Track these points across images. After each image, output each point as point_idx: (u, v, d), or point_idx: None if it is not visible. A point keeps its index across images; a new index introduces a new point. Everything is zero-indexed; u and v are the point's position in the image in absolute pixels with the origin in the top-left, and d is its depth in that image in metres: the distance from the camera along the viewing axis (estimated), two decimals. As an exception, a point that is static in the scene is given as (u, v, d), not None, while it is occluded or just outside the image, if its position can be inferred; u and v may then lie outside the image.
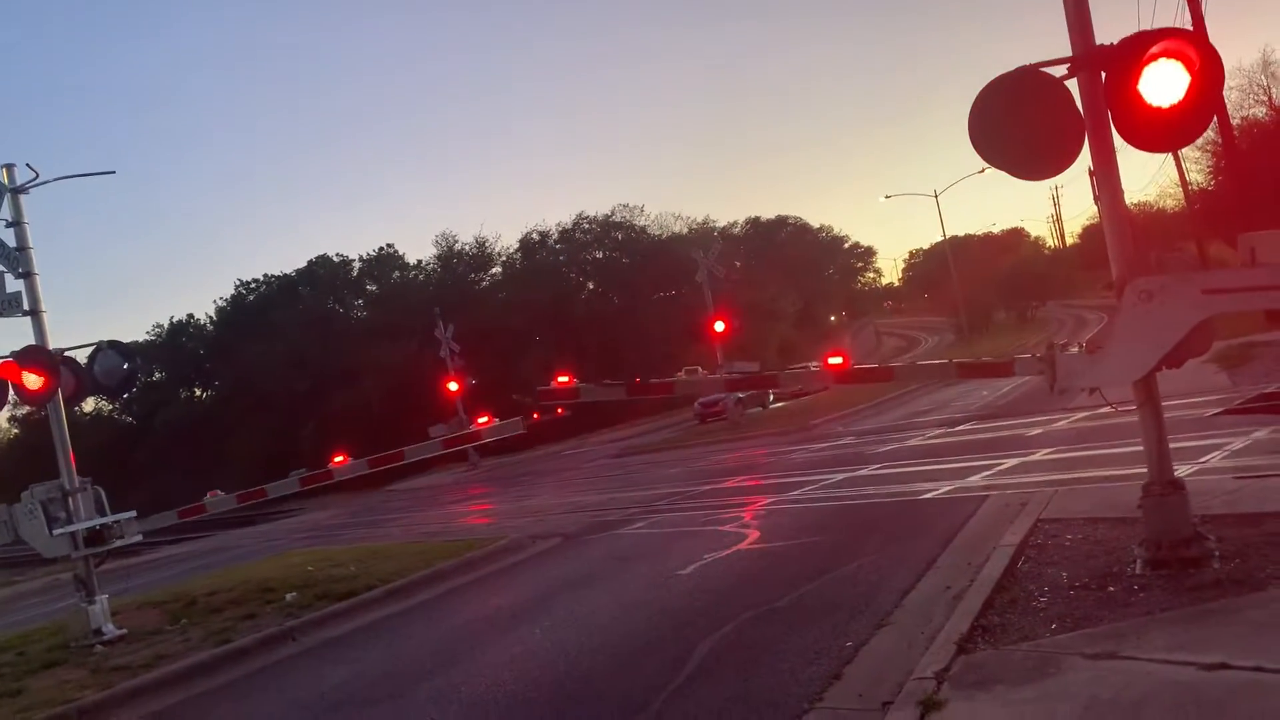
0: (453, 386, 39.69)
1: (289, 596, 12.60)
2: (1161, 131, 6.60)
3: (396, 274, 71.68)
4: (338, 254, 72.77)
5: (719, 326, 33.16)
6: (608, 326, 63.15)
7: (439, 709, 7.20)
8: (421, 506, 25.95)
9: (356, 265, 72.32)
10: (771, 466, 19.52)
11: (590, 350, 62.49)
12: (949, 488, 12.80)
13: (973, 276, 79.57)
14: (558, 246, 71.48)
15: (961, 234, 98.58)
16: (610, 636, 8.40)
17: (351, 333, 64.49)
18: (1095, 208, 7.08)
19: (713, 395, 35.63)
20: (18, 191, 11.73)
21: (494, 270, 71.41)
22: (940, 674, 5.61)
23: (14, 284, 11.80)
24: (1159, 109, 6.35)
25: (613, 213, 72.19)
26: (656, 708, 6.22)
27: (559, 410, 24.50)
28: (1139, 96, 6.36)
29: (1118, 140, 6.73)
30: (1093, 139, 6.69)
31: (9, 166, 11.72)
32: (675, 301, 61.84)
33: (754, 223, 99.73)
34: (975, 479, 13.06)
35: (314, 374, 60.94)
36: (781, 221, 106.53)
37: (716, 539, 12.19)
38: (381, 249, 71.94)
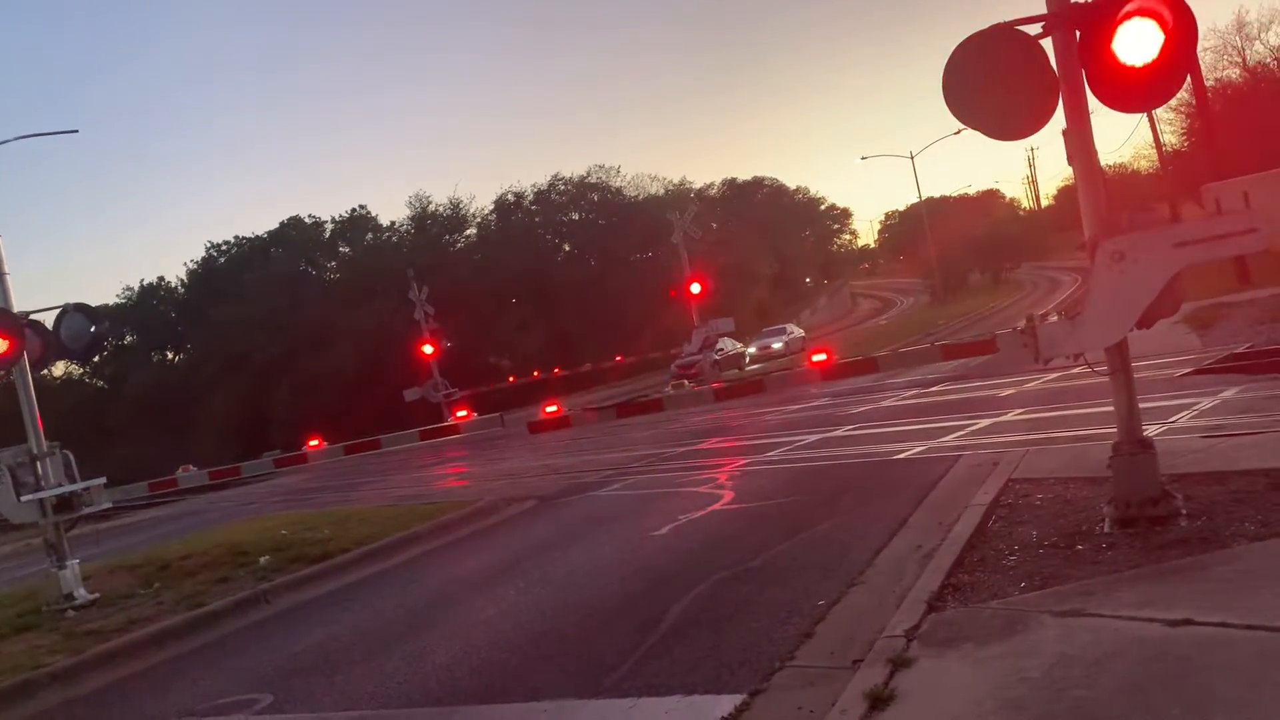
0: (428, 350, 39.42)
1: (263, 560, 12.55)
2: (1136, 91, 6.58)
3: (370, 236, 71.03)
4: (309, 215, 71.99)
5: (695, 288, 33.07)
6: (584, 288, 62.99)
7: (413, 670, 7.21)
8: (396, 470, 25.87)
9: (329, 227, 71.58)
10: (746, 428, 19.58)
11: (567, 312, 62.38)
12: (922, 448, 12.88)
13: (948, 238, 79.86)
14: (533, 208, 71.07)
15: (937, 195, 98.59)
16: (584, 597, 8.42)
17: (325, 295, 63.94)
18: (1070, 170, 7.07)
19: (688, 357, 35.62)
20: (-23, 150, 11.45)
21: (469, 232, 70.94)
22: (910, 632, 5.65)
23: (-24, 245, 11.58)
24: (1133, 68, 6.33)
25: (588, 174, 71.86)
26: (629, 666, 6.25)
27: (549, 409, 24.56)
28: (1113, 55, 6.33)
29: (1092, 100, 6.71)
30: (1067, 98, 6.66)
31: (-32, 125, 11.44)
32: (651, 263, 61.72)
33: (730, 184, 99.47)
34: (948, 439, 13.14)
35: (287, 336, 60.48)
36: (758, 183, 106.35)
37: (692, 500, 12.23)
38: (354, 210, 71.23)
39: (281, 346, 60.37)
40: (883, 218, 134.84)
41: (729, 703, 5.28)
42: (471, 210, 70.61)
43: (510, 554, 11.29)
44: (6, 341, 11.50)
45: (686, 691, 5.63)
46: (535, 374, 50.10)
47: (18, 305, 12.00)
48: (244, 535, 15.27)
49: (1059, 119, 6.78)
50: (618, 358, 53.35)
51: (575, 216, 71.68)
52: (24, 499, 11.87)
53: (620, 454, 19.05)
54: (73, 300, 12.32)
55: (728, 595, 7.57)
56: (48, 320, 12.39)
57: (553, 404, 11.62)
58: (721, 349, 37.23)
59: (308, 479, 29.07)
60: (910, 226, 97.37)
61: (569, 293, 62.93)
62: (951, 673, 5.04)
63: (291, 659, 8.26)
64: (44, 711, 8.14)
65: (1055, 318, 7.36)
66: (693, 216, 38.03)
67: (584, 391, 49.91)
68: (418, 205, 69.79)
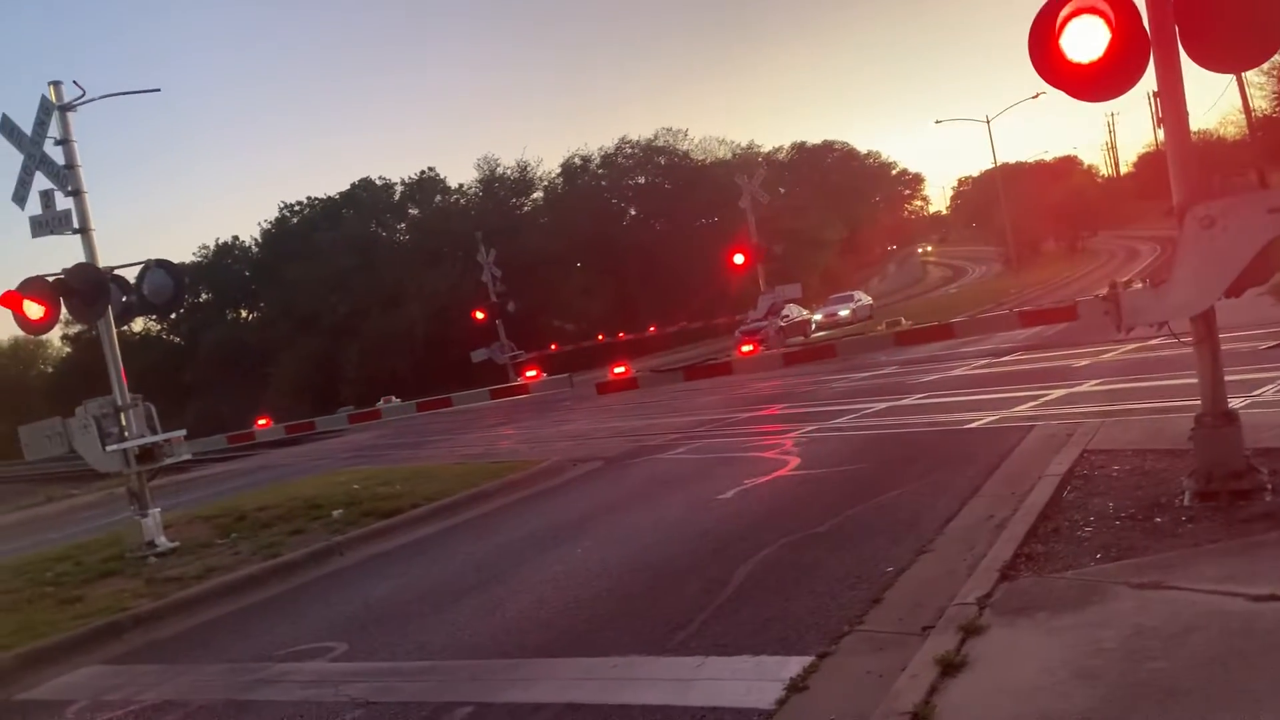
0: (492, 313, 39.85)
1: (335, 513, 12.84)
2: (1232, 50, 6.33)
3: (438, 198, 71.64)
4: (380, 177, 72.83)
5: (762, 254, 32.81)
6: (649, 252, 62.87)
7: (483, 622, 7.34)
8: (463, 429, 26.24)
9: (399, 189, 72.35)
10: (813, 395, 19.45)
11: (631, 276, 62.37)
12: (993, 418, 12.67)
13: (1022, 205, 77.98)
14: (600, 171, 70.99)
15: (1013, 161, 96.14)
16: (650, 557, 8.48)
17: (394, 256, 64.78)
18: (1151, 136, 6.92)
19: (753, 323, 35.43)
20: (65, 109, 11.77)
21: (536, 195, 71.17)
22: (982, 600, 5.59)
23: (64, 202, 11.92)
24: (1230, 26, 6.08)
25: (655, 137, 71.43)
26: (696, 626, 6.29)
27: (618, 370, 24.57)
28: (1210, 12, 6.08)
29: (1184, 59, 6.46)
30: (1158, 57, 6.42)
31: (56, 84, 11.74)
32: (718, 228, 61.32)
33: (799, 148, 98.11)
34: (1021, 409, 12.91)
35: (357, 297, 61.47)
36: (827, 147, 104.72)
37: (757, 465, 12.21)
38: (423, 172, 71.85)
39: (351, 306, 61.40)
40: (956, 184, 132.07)
41: (797, 664, 5.29)
42: (539, 174, 70.83)
43: (576, 513, 11.40)
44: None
45: (754, 652, 5.65)
46: (599, 338, 50.25)
47: (101, 261, 12.34)
48: (317, 489, 15.64)
49: (1147, 80, 6.55)
50: (682, 323, 53.26)
51: (641, 180, 71.44)
52: (109, 449, 12.27)
53: (685, 418, 19.07)
54: (153, 257, 12.63)
55: (794, 559, 7.56)
56: (131, 276, 12.75)
57: (621, 365, 11.65)
58: (787, 315, 36.98)
59: (377, 436, 29.65)
60: (984, 193, 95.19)
61: (634, 257, 62.90)
62: (1024, 641, 4.98)
63: (364, 609, 8.46)
64: (129, 652, 8.45)
65: (1139, 285, 7.16)
66: (760, 181, 37.67)
67: (648, 356, 49.92)
68: (486, 168, 70.20)
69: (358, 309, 61.06)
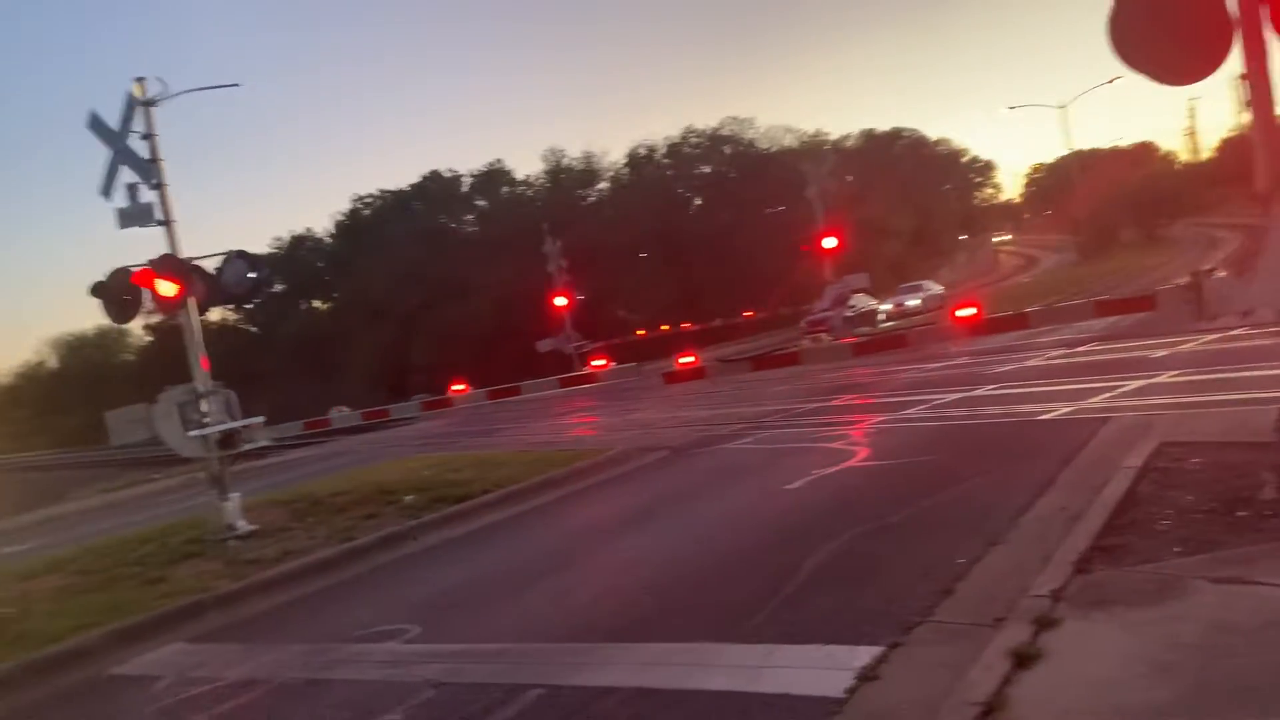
0: (560, 302, 40.09)
1: (408, 499, 13.08)
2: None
3: (505, 189, 72.27)
4: (449, 169, 73.67)
5: (829, 243, 32.50)
6: (714, 242, 62.66)
7: (554, 607, 7.45)
8: (531, 417, 26.50)
9: (466, 181, 73.14)
10: (881, 385, 19.26)
11: (696, 266, 62.28)
12: (1068, 409, 12.43)
13: (1098, 193, 76.02)
14: (665, 161, 70.92)
15: (1087, 148, 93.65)
16: (718, 546, 8.51)
17: (462, 248, 65.55)
18: (1231, 122, 6.67)
19: (819, 313, 35.15)
20: (149, 105, 12.14)
21: (601, 185, 71.40)
22: (1056, 593, 5.53)
23: (147, 195, 12.30)
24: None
25: (721, 126, 71.10)
26: (766, 615, 6.31)
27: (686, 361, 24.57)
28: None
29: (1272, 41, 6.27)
30: (1246, 39, 6.24)
31: (140, 80, 12.11)
32: (784, 217, 60.89)
33: (868, 135, 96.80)
34: (1096, 400, 12.65)
35: (427, 287, 62.33)
36: (896, 134, 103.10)
37: (825, 455, 12.15)
38: (490, 164, 72.51)
39: (421, 297, 62.29)
40: (1029, 171, 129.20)
41: (867, 654, 5.28)
42: (604, 164, 71.03)
43: (644, 501, 11.48)
44: (175, 285, 12.22)
45: (824, 641, 5.66)
46: (664, 328, 50.34)
47: (182, 252, 12.70)
48: (390, 475, 15.94)
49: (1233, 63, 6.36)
50: (747, 313, 53.04)
51: (707, 169, 71.22)
52: (191, 434, 12.66)
53: (752, 408, 19.02)
54: (229, 249, 12.99)
55: (864, 550, 7.54)
56: (211, 266, 13.11)
57: (688, 355, 11.69)
58: (853, 306, 36.60)
59: (447, 424, 30.06)
60: (1058, 180, 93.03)
61: (699, 247, 62.76)
62: (1100, 635, 4.91)
63: (437, 593, 8.63)
64: (212, 631, 8.74)
65: (1221, 274, 6.98)
66: (828, 169, 37.32)
67: (712, 347, 49.85)
68: (552, 159, 70.60)
69: (427, 299, 61.94)
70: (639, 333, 51.08)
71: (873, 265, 54.56)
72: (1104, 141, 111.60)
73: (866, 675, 5.03)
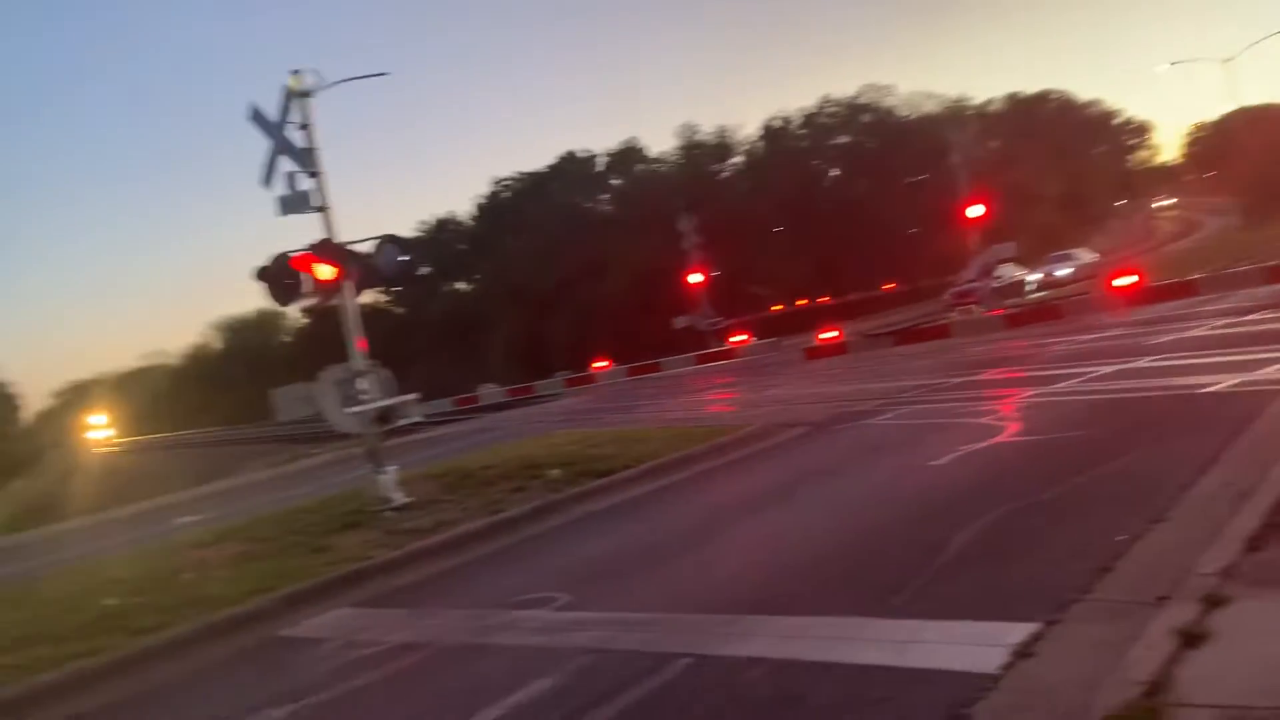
0: (695, 279, 40.15)
1: (553, 473, 13.40)
2: None
3: (639, 167, 72.62)
4: (583, 150, 74.52)
5: (974, 211, 31.47)
6: (852, 214, 61.45)
7: (697, 580, 7.55)
8: (669, 393, 26.69)
9: (602, 160, 73.83)
10: (1031, 358, 18.60)
11: (833, 239, 61.26)
12: (1234, 381, 11.75)
13: (1265, 152, 70.94)
14: (801, 132, 69.83)
15: (1254, 105, 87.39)
16: (862, 522, 8.44)
17: (598, 226, 66.25)
18: None
19: (965, 284, 34.11)
20: (304, 96, 12.73)
21: (735, 160, 70.89)
22: (1225, 570, 5.28)
23: (305, 183, 12.91)
24: None
25: (859, 94, 69.50)
26: (913, 590, 6.24)
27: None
28: None
29: None
30: None
31: (296, 73, 12.70)
32: (925, 186, 59.21)
33: (1014, 98, 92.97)
34: (1266, 372, 11.91)
35: (564, 267, 63.33)
36: (1044, 97, 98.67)
37: (972, 431, 11.84)
38: (624, 143, 72.98)
39: (559, 276, 63.34)
40: (1188, 131, 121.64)
41: (1021, 630, 5.16)
42: (738, 138, 70.52)
43: (784, 477, 11.45)
44: (333, 268, 12.82)
45: (975, 617, 5.56)
46: (801, 303, 49.79)
47: (338, 237, 13.29)
48: (534, 450, 16.36)
49: None
50: (887, 286, 51.91)
51: (844, 139, 69.75)
52: (349, 411, 13.28)
53: (894, 383, 18.67)
54: (377, 234, 13.52)
55: (1016, 527, 7.35)
56: (364, 250, 13.68)
57: (830, 329, 11.50)
58: (1000, 276, 35.35)
59: (586, 401, 30.61)
60: (1221, 141, 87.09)
61: (836, 219, 61.67)
62: (1272, 614, 4.68)
63: (584, 563, 8.86)
64: (374, 597, 9.20)
65: None
66: (972, 135, 36.07)
67: (851, 321, 49.06)
68: (686, 135, 70.49)
69: (565, 279, 62.94)
70: (775, 308, 50.68)
71: (1020, 233, 52.59)
72: (1273, 97, 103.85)
73: (1022, 652, 4.92)
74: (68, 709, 7.19)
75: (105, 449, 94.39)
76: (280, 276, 13.13)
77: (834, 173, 69.28)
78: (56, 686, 7.46)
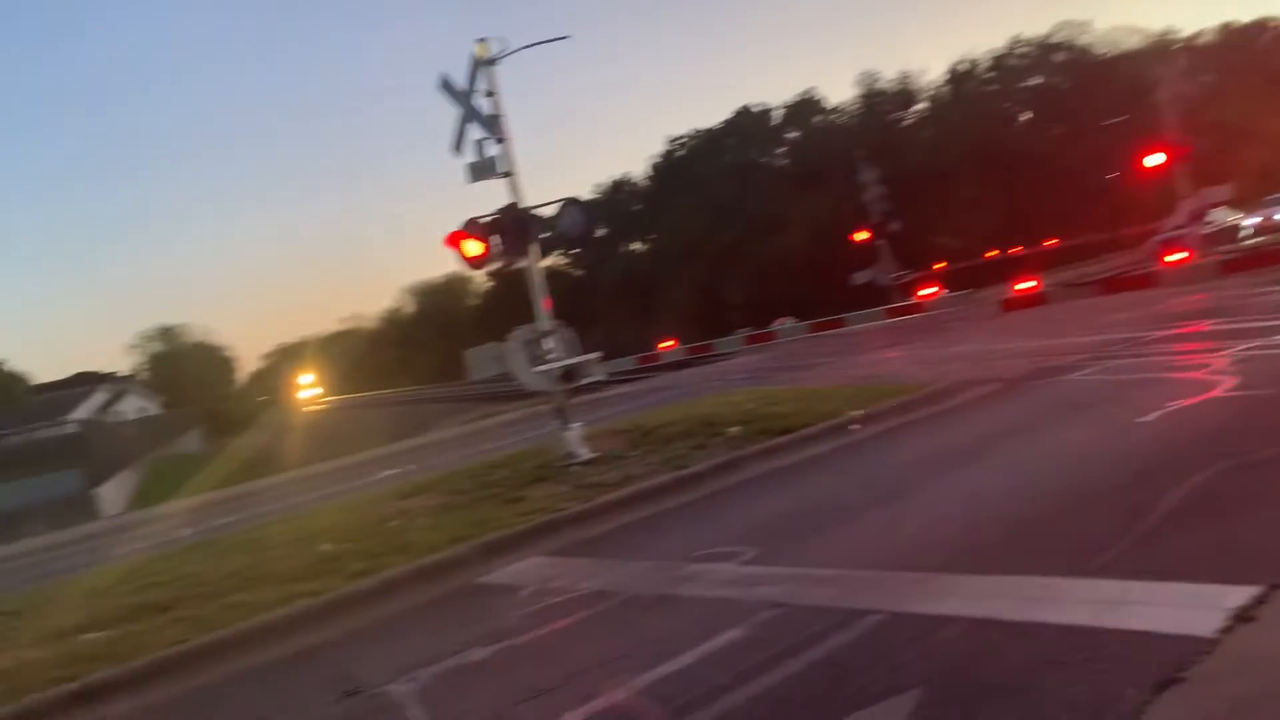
0: (876, 232, 39.10)
1: (733, 430, 13.46)
2: None
3: (817, 119, 71.17)
4: (759, 104, 73.62)
5: (1181, 152, 29.21)
6: (1045, 160, 58.33)
7: (884, 537, 7.45)
8: (850, 350, 26.25)
9: (777, 114, 72.76)
10: (1247, 309, 17.25)
11: (1024, 186, 58.40)
12: None
13: None
14: (989, 75, 66.66)
15: None
16: (1061, 481, 8.08)
17: (773, 182, 65.52)
18: None
19: (1171, 231, 31.81)
20: (490, 64, 13.10)
21: (918, 107, 68.47)
22: None
23: (493, 148, 13.33)
24: None
25: (1052, 32, 65.65)
26: (1119, 550, 5.94)
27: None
28: None
29: None
30: None
31: (483, 41, 13.08)
32: (1127, 127, 55.45)
33: (1226, 29, 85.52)
34: None
35: (739, 225, 63.05)
36: (1261, 25, 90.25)
37: (1181, 386, 11.12)
38: (801, 95, 71.59)
39: (734, 234, 63.13)
40: None
41: (1241, 594, 4.84)
42: (921, 84, 68.01)
43: (974, 435, 11.10)
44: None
45: (1188, 579, 5.25)
46: (991, 254, 47.78)
47: (524, 201, 13.67)
48: (713, 408, 16.45)
49: None
50: (1083, 235, 49.04)
51: (1036, 81, 66.14)
52: (536, 370, 13.74)
53: (1094, 337, 17.71)
54: (558, 197, 13.83)
55: (1233, 486, 6.87)
56: (547, 213, 14.03)
57: (1028, 279, 10.94)
58: (1211, 221, 32.80)
59: (763, 359, 30.49)
60: None
61: (1027, 165, 58.68)
62: None
63: (768, 519, 8.88)
64: (565, 547, 9.54)
65: None
66: (1178, 71, 33.47)
67: (1046, 272, 46.74)
68: (865, 84, 68.53)
69: (740, 236, 62.68)
70: (963, 260, 48.86)
71: (1235, 175, 48.60)
72: None
73: (1242, 616, 4.62)
74: (297, 644, 7.82)
75: (313, 407, 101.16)
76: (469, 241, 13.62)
77: (1025, 116, 65.92)
78: (285, 622, 8.13)
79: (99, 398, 76.77)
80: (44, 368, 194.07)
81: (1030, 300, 23.27)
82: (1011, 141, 61.35)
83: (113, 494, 31.09)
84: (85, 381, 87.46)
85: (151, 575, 11.53)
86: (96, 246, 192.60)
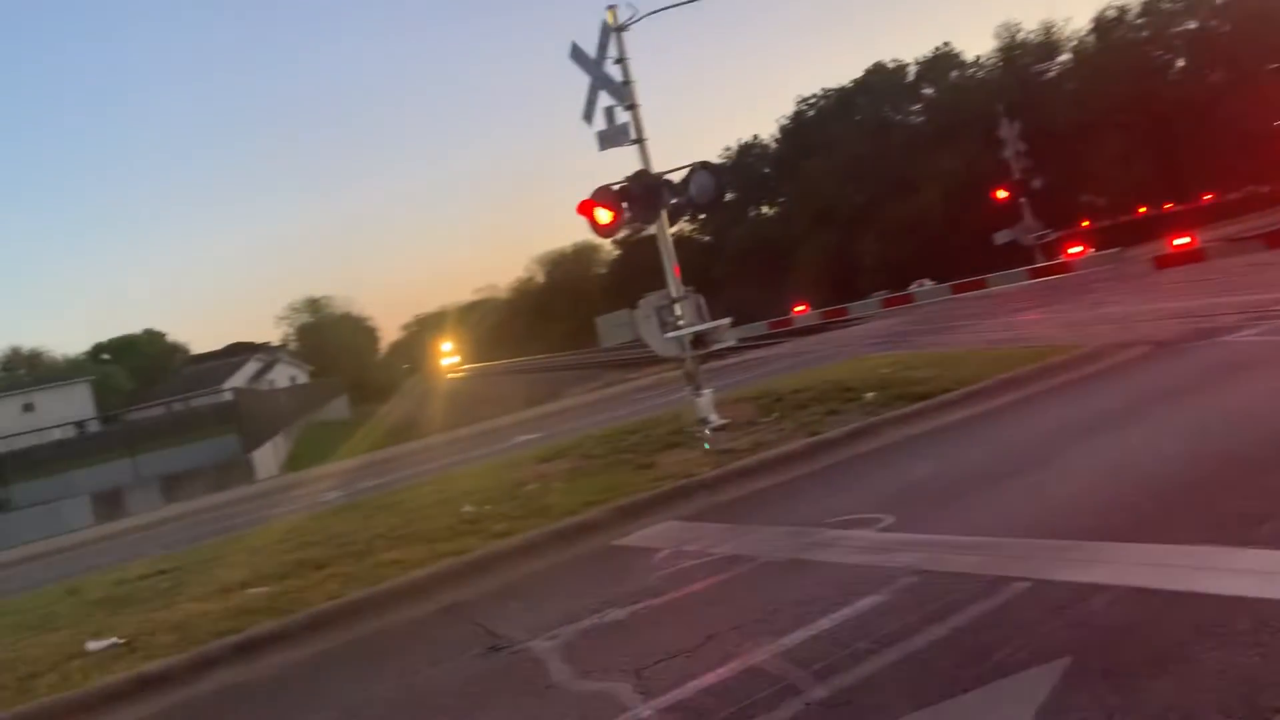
0: (1018, 190, 37.57)
1: (868, 396, 13.26)
2: None
3: (954, 74, 68.77)
4: (893, 60, 71.60)
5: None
6: (1201, 110, 54.90)
7: (1028, 504, 7.24)
8: (989, 313, 25.43)
9: (911, 69, 70.61)
10: None
11: (1178, 139, 55.15)
12: None
13: None
14: (1139, 22, 62.98)
15: None
16: (1217, 447, 7.69)
17: (908, 141, 63.72)
18: None
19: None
20: (620, 30, 13.11)
21: (1062, 59, 65.30)
22: None
23: (622, 116, 13.36)
24: None
25: (1211, -28, 61.48)
26: (1284, 522, 5.64)
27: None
28: None
29: None
30: None
31: (612, 7, 13.08)
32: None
33: None
34: None
35: (871, 185, 61.67)
36: None
37: (1356, 347, 10.42)
38: (937, 49, 69.25)
39: (867, 195, 61.80)
40: None
41: None
42: (1065, 34, 64.85)
43: (1124, 400, 10.65)
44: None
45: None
46: (1140, 210, 45.42)
47: (654, 168, 13.67)
48: (846, 373, 16.23)
49: None
50: (1245, 188, 46.05)
51: (1192, 25, 62.14)
52: (667, 336, 13.79)
53: (1255, 295, 16.70)
54: (687, 162, 13.74)
55: None
56: (677, 179, 13.99)
57: (1184, 236, 10.36)
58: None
59: (898, 323, 29.85)
60: None
61: (1182, 117, 55.35)
62: None
63: (906, 486, 8.74)
64: (698, 512, 9.62)
65: None
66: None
67: (1203, 229, 44.18)
68: (1005, 35, 65.77)
69: (873, 198, 61.33)
70: (1111, 218, 46.57)
71: None
72: None
73: None
74: (442, 601, 8.15)
75: (452, 374, 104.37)
76: (601, 209, 13.73)
77: (1179, 63, 62.06)
78: (431, 580, 8.49)
79: (252, 367, 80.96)
80: (200, 339, 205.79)
81: (1186, 257, 22.02)
82: (1164, 91, 57.90)
83: (266, 458, 32.80)
84: (239, 352, 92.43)
85: (306, 534, 12.17)
86: (244, 221, 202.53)
